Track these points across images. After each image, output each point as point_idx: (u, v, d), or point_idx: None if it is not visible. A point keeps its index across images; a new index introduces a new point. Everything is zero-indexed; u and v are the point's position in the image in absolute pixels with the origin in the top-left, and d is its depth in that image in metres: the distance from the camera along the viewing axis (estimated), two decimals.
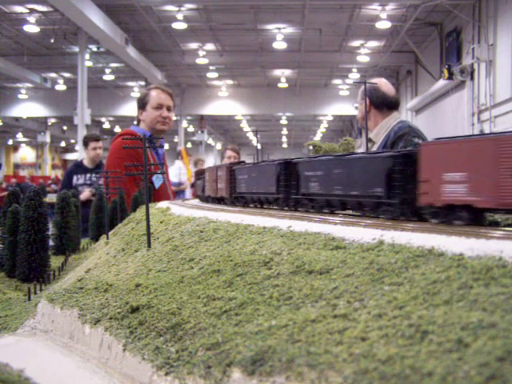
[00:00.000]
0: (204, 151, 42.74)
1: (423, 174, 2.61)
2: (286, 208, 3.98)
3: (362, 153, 3.29)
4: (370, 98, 6.28)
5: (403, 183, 2.74)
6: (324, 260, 2.04)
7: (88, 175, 10.26)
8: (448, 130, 20.92)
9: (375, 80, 6.42)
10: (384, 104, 6.28)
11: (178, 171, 13.38)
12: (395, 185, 2.78)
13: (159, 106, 7.83)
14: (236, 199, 4.89)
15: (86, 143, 10.60)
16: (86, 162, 10.61)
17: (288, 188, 3.92)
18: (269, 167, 4.20)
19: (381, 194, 2.88)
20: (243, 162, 5.42)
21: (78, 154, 22.79)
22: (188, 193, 13.35)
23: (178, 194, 12.54)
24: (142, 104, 7.90)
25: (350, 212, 3.34)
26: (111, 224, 5.48)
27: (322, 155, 3.75)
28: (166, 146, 12.21)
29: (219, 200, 5.41)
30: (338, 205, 3.39)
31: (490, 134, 2.46)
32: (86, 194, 9.49)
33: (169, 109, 7.96)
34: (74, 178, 10.28)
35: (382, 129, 6.22)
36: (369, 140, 6.31)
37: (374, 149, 6.13)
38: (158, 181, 7.70)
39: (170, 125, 8.10)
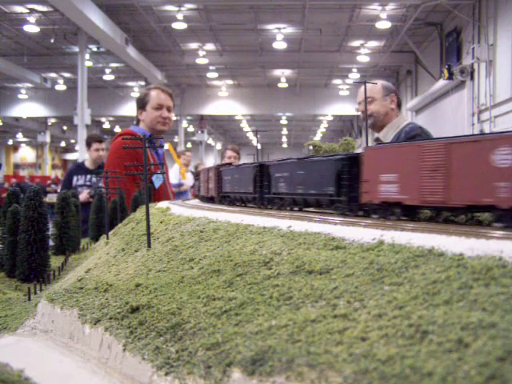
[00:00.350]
0: (204, 151, 42.74)
1: (364, 175, 2.99)
2: (261, 206, 4.36)
3: (318, 156, 3.72)
4: (397, 95, 6.49)
5: (350, 183, 3.10)
6: (324, 260, 2.04)
7: (88, 176, 10.10)
8: (448, 130, 20.92)
9: (375, 80, 6.44)
10: (401, 104, 6.55)
11: (178, 172, 13.37)
12: (344, 184, 3.14)
13: (159, 107, 7.81)
14: (223, 198, 5.26)
15: (88, 143, 10.44)
16: (87, 163, 10.48)
17: (262, 188, 4.30)
18: (247, 169, 4.57)
19: (332, 193, 3.27)
20: (230, 164, 5.76)
21: (78, 154, 22.78)
22: (190, 193, 13.32)
23: (180, 194, 12.49)
24: (142, 104, 7.88)
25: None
26: (111, 224, 5.47)
27: (288, 158, 4.10)
28: (166, 146, 12.14)
29: (211, 199, 5.73)
30: (302, 203, 3.76)
31: (416, 140, 2.86)
32: (83, 195, 9.29)
33: (169, 109, 7.96)
34: (74, 178, 10.14)
35: (390, 129, 6.26)
36: (376, 139, 6.33)
37: None
38: (157, 181, 7.70)
39: (169, 125, 8.09)
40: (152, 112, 7.78)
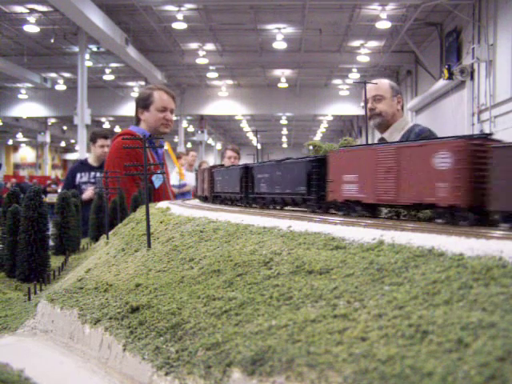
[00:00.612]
0: (204, 151, 42.72)
1: (330, 176, 3.30)
2: (247, 205, 4.68)
3: (292, 158, 3.99)
4: (402, 96, 6.52)
5: (319, 183, 3.42)
6: (324, 260, 2.04)
7: (92, 173, 9.80)
8: (448, 130, 20.91)
9: (376, 80, 6.42)
10: (403, 106, 6.59)
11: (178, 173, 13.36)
12: (313, 184, 3.47)
13: (163, 109, 7.84)
14: (215, 198, 5.58)
15: (93, 139, 10.09)
16: (90, 160, 10.18)
17: (247, 188, 4.62)
18: (234, 171, 4.89)
19: (304, 192, 3.59)
20: (222, 165, 6.04)
21: (78, 154, 22.77)
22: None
23: (183, 195, 12.43)
24: (145, 104, 7.83)
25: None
26: (111, 224, 5.47)
27: (268, 161, 4.43)
28: (165, 146, 12.12)
29: (206, 198, 6.05)
30: (280, 201, 4.07)
31: (372, 144, 3.25)
32: (88, 193, 9.04)
33: (171, 111, 8.01)
34: (78, 175, 9.88)
35: (395, 130, 6.24)
36: (381, 140, 6.30)
37: None
38: (157, 181, 7.70)
39: (171, 127, 8.13)
40: (156, 114, 7.79)
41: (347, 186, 3.11)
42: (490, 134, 2.51)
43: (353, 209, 3.10)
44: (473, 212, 2.35)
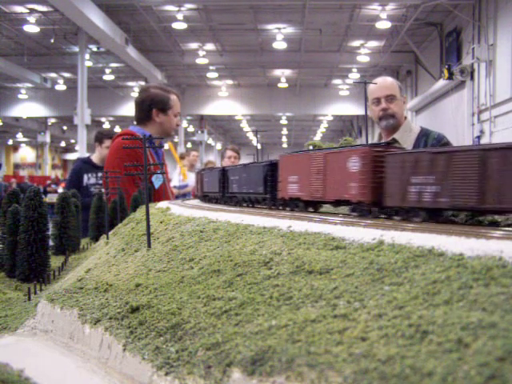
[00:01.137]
0: (204, 151, 42.73)
1: (279, 177, 3.85)
2: (225, 203, 5.15)
3: (255, 162, 4.54)
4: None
5: (272, 183, 3.98)
6: (324, 260, 2.04)
7: (100, 174, 9.42)
8: (448, 130, 20.88)
9: (381, 78, 6.35)
10: None
11: (180, 173, 13.35)
12: (268, 184, 4.03)
13: (178, 114, 7.97)
14: (204, 197, 6.07)
15: (99, 140, 9.79)
16: (95, 160, 9.78)
17: (224, 188, 5.13)
18: (215, 173, 5.41)
19: (262, 191, 4.14)
20: (211, 168, 6.42)
21: (79, 154, 22.76)
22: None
23: (185, 196, 12.41)
24: (164, 108, 7.74)
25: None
26: (111, 224, 5.47)
27: (238, 165, 4.98)
28: (166, 146, 12.09)
29: (198, 197, 6.56)
30: (247, 200, 4.59)
31: (308, 150, 3.86)
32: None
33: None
34: (85, 176, 9.48)
35: (405, 132, 6.11)
36: (393, 140, 6.11)
37: None
38: (157, 181, 7.68)
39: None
40: (173, 119, 7.88)
41: (291, 185, 3.63)
42: (393, 142, 2.95)
43: (296, 205, 3.63)
44: (376, 207, 2.83)
